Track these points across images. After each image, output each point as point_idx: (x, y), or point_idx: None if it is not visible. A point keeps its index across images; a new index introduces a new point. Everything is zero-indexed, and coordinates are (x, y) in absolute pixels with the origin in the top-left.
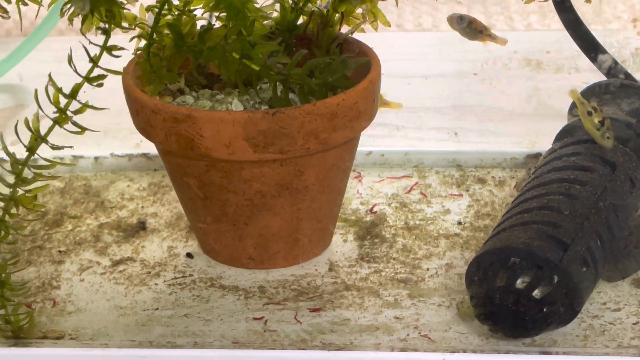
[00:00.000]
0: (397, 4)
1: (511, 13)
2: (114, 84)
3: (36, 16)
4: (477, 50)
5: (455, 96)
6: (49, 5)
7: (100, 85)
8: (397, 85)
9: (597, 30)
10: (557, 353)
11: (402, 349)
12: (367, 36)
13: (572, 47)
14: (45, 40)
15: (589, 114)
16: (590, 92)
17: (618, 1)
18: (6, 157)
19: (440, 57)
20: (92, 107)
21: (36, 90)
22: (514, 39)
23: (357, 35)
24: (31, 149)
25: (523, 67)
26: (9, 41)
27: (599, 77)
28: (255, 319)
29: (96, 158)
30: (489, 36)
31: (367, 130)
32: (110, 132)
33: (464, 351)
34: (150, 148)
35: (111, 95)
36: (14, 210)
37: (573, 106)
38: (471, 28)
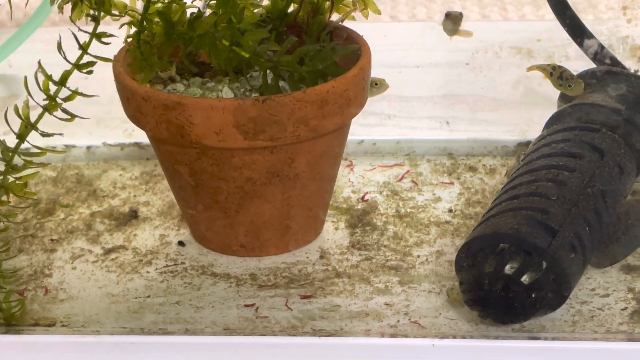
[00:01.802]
0: None
1: (505, 4)
2: (106, 73)
3: (26, 5)
4: (468, 40)
5: (446, 85)
6: None
7: (90, 72)
8: (389, 75)
9: (587, 19)
10: (545, 338)
11: (392, 335)
12: (359, 26)
13: (562, 35)
14: (38, 30)
15: (551, 74)
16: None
17: None
18: None
19: (431, 47)
20: (81, 94)
21: (25, 78)
22: (506, 28)
23: (349, 25)
24: (21, 136)
25: (514, 56)
26: (2, 32)
27: (588, 64)
28: (246, 306)
29: (88, 147)
30: (456, 31)
31: (359, 119)
32: (103, 122)
33: (454, 337)
34: (142, 137)
35: (103, 85)
36: (4, 198)
37: (563, 94)
38: (457, 23)
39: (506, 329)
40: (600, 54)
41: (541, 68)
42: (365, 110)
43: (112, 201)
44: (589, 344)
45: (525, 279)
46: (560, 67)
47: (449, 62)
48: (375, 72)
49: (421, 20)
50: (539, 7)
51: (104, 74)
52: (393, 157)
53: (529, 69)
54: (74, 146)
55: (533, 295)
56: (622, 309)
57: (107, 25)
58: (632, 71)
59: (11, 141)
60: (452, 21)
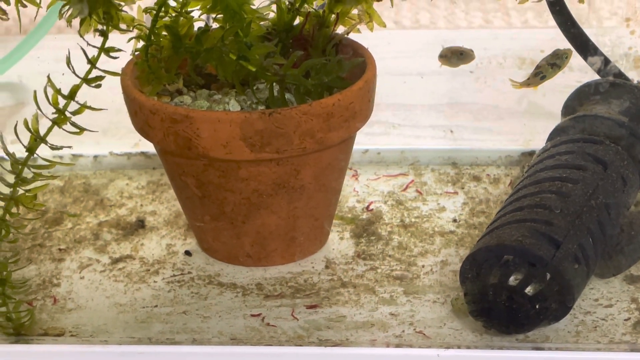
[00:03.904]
0: (392, 5)
1: (508, 10)
2: (114, 82)
3: (35, 17)
4: (472, 49)
5: (451, 94)
6: (48, 6)
7: (99, 86)
8: (393, 83)
9: (591, 28)
10: (549, 349)
11: (397, 345)
12: (364, 34)
13: (566, 45)
14: (45, 38)
15: (543, 77)
16: (580, 93)
17: None
18: (6, 157)
19: (436, 55)
20: (90, 107)
21: (35, 92)
22: (510, 36)
23: (353, 35)
24: (31, 150)
25: (518, 66)
26: (9, 39)
27: (592, 76)
28: (252, 315)
29: (95, 157)
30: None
31: (363, 128)
32: (110, 131)
33: (458, 347)
34: (149, 147)
35: (111, 94)
36: (14, 210)
37: (567, 104)
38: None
39: (510, 339)
40: (603, 71)
41: (526, 84)
42: (370, 120)
43: (119, 211)
44: (592, 354)
45: (529, 290)
46: (537, 66)
47: (453, 70)
48: (380, 80)
49: (424, 25)
50: (541, 12)
51: (111, 83)
52: (397, 166)
53: (515, 85)
54: (81, 155)
55: (537, 306)
56: (625, 320)
57: (113, 35)
58: (635, 82)
59: (18, 149)
60: (466, 59)
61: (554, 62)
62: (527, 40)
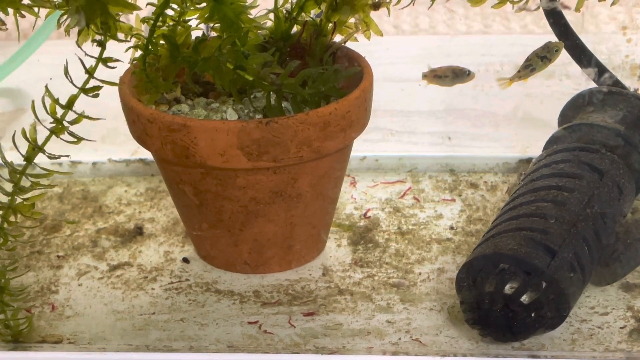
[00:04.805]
0: (389, 14)
1: (507, 14)
2: (112, 88)
3: (33, 27)
4: (470, 55)
5: (448, 101)
6: (46, 15)
7: (96, 96)
8: (391, 90)
9: (588, 35)
10: (545, 357)
11: (394, 353)
12: (361, 39)
13: (563, 53)
14: (45, 44)
15: (532, 69)
16: (575, 102)
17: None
18: (4, 165)
19: (434, 62)
20: (88, 117)
21: (33, 102)
22: (508, 42)
23: (350, 44)
24: (29, 159)
25: (515, 72)
26: (9, 45)
27: (588, 84)
28: (250, 323)
29: (94, 163)
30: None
31: (361, 135)
32: (108, 138)
33: (455, 355)
34: (147, 154)
35: (109, 100)
36: (12, 218)
37: (563, 113)
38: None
39: (506, 347)
40: (597, 82)
41: (517, 77)
42: (368, 126)
43: (117, 217)
44: None
45: (525, 298)
46: (527, 59)
47: None
48: (378, 87)
49: (424, 29)
50: (540, 17)
51: (109, 89)
52: (395, 173)
53: (506, 85)
54: (79, 162)
55: (532, 315)
56: (621, 327)
57: (110, 43)
58: (632, 90)
59: (16, 157)
60: (469, 78)
61: (544, 55)
62: (525, 47)
